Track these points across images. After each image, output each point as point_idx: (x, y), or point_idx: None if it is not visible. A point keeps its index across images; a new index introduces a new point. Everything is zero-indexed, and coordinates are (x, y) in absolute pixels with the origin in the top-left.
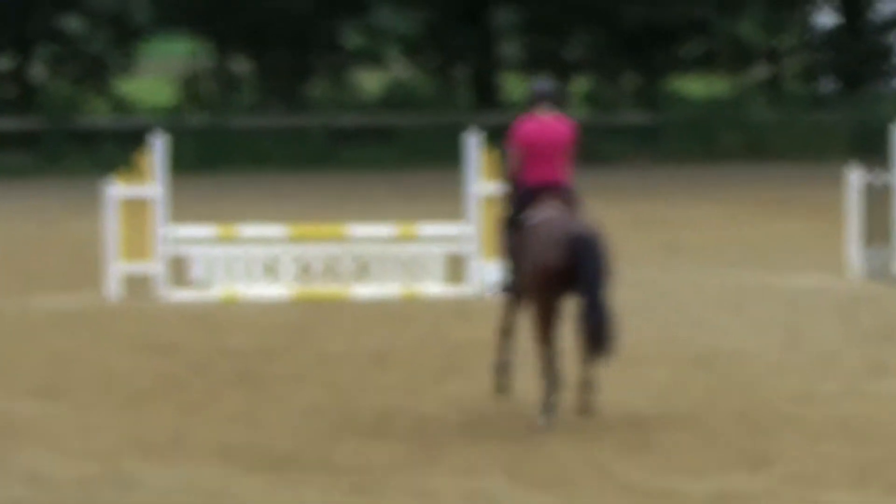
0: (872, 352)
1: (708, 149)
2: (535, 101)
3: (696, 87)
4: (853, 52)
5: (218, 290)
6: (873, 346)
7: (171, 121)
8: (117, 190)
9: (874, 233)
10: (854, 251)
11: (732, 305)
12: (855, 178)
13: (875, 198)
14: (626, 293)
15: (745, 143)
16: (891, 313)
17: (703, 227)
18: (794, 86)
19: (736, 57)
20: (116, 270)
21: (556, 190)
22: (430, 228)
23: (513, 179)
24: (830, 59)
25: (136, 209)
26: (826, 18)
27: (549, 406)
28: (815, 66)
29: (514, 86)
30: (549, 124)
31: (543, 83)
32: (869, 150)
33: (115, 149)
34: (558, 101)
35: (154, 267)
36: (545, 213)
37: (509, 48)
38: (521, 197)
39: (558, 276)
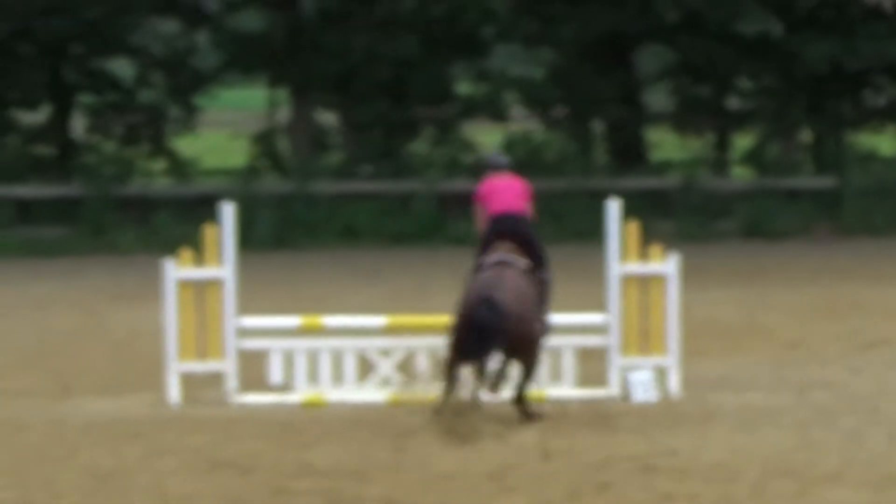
0: None
1: None
2: (491, 170)
3: (887, 143)
4: None
5: (299, 394)
6: None
7: (242, 186)
8: (177, 271)
9: None
10: None
11: None
12: None
13: None
14: (810, 397)
15: None
16: None
17: None
18: None
19: None
20: (176, 369)
21: (514, 223)
22: (558, 317)
23: (481, 235)
24: None
25: (200, 295)
26: None
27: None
28: None
29: (662, 143)
30: (504, 178)
31: (498, 157)
32: None
33: (174, 221)
34: (511, 172)
35: (223, 365)
36: (487, 265)
37: (655, 97)
38: (485, 235)
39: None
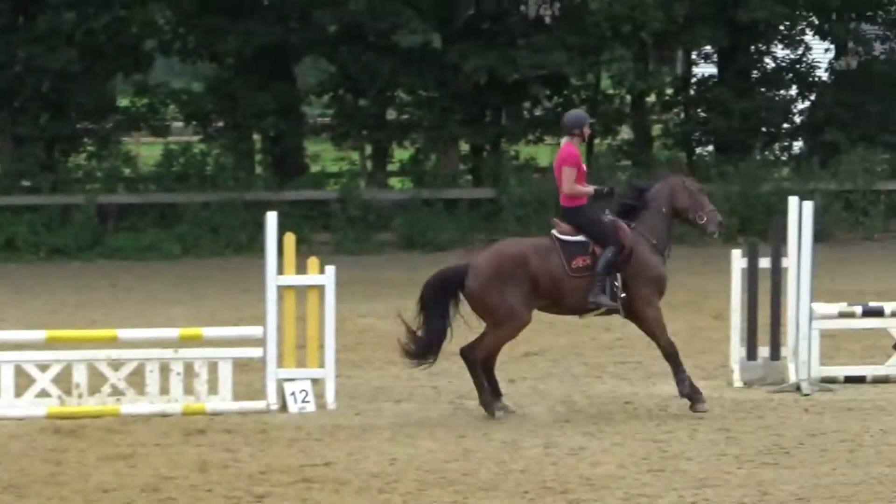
0: None
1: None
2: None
3: (545, 154)
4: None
5: None
6: None
7: None
8: None
9: None
10: None
11: None
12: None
13: None
14: (466, 407)
15: None
16: None
17: None
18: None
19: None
20: None
21: None
22: (217, 331)
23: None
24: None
25: None
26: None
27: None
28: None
29: (322, 154)
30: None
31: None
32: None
33: None
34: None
35: None
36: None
37: (316, 109)
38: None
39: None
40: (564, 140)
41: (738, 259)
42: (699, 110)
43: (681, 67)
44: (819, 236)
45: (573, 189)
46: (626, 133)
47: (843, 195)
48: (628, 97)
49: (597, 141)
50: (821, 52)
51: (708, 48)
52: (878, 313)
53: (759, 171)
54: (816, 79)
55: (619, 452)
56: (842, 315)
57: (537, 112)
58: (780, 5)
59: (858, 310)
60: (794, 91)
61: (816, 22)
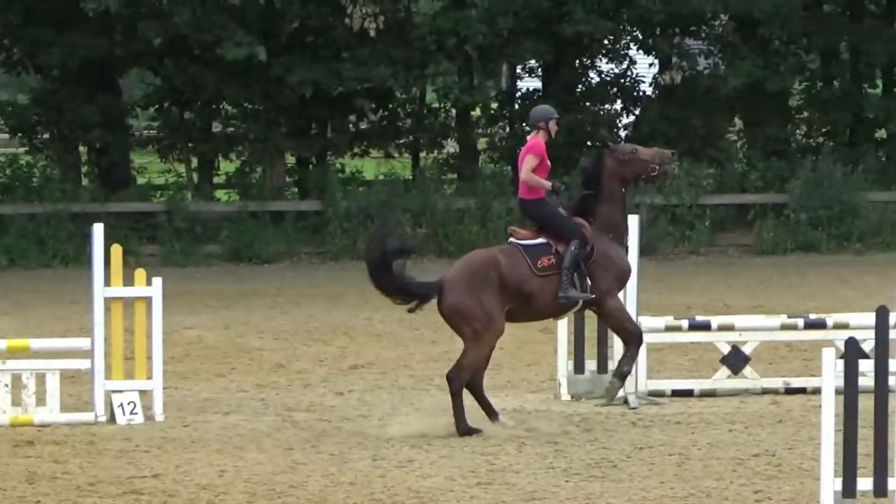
0: None
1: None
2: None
3: (371, 166)
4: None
5: None
6: None
7: None
8: None
9: None
10: None
11: None
12: None
13: None
14: (295, 420)
15: (433, 235)
16: None
17: None
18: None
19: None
20: None
21: None
22: (44, 342)
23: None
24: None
25: None
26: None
27: None
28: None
29: (148, 167)
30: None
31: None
32: None
33: None
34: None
35: None
36: None
37: (142, 121)
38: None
39: None
40: (531, 135)
41: None
42: (524, 124)
43: (506, 81)
44: (645, 250)
45: (530, 177)
46: (451, 147)
47: (668, 209)
48: (453, 111)
49: (422, 155)
50: (645, 67)
51: (532, 62)
52: (705, 327)
53: None
54: (641, 93)
55: (448, 465)
56: (668, 329)
57: (363, 125)
58: (604, 19)
59: (685, 323)
60: (618, 105)
61: (640, 36)
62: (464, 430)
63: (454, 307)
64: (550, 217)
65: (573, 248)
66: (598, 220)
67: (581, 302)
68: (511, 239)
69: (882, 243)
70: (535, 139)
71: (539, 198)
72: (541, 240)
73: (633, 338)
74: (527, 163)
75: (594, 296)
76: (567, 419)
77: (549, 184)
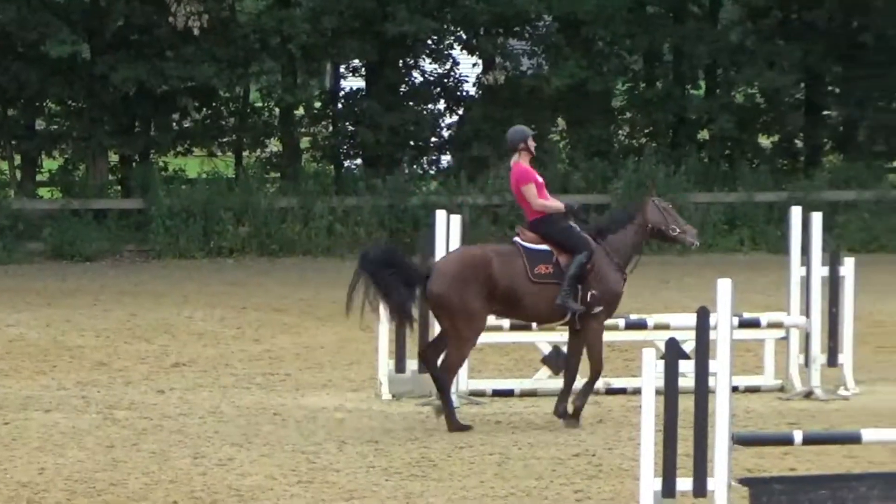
0: None
1: (205, 242)
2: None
3: (194, 165)
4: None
5: None
6: None
7: None
8: None
9: None
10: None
11: None
12: None
13: None
14: (116, 417)
15: (256, 234)
16: None
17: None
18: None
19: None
20: None
21: None
22: None
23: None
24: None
25: None
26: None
27: None
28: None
29: None
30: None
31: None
32: None
33: None
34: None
35: None
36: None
37: None
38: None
39: None
40: (513, 159)
41: None
42: (347, 123)
43: (329, 81)
44: None
45: (543, 205)
46: (274, 146)
47: (490, 209)
48: (277, 110)
49: (245, 153)
50: (469, 67)
51: (356, 62)
52: (527, 328)
53: (407, 185)
54: (464, 93)
55: (268, 464)
56: (491, 329)
57: (186, 124)
58: (427, 19)
59: (507, 323)
60: (442, 105)
61: (464, 36)
62: (455, 426)
63: (437, 297)
64: (561, 231)
65: (583, 258)
66: (609, 242)
67: (570, 314)
68: (516, 238)
69: (703, 245)
70: (520, 165)
71: (549, 215)
72: (544, 246)
73: (595, 373)
74: (528, 194)
75: (584, 308)
76: (388, 418)
77: (563, 205)
